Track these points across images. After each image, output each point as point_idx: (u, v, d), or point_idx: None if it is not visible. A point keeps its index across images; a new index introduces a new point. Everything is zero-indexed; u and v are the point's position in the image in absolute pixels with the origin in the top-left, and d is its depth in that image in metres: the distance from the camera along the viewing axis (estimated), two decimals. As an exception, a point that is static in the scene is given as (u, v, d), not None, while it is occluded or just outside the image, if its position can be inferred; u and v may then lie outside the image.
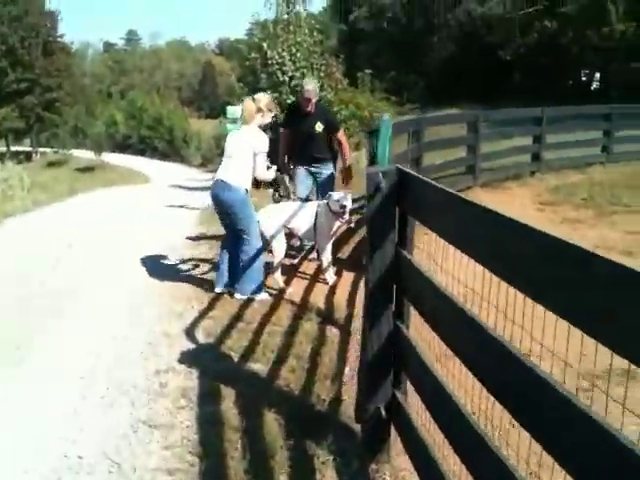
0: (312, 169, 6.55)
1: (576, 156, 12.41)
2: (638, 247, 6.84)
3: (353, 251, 6.83)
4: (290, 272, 5.98)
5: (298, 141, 6.51)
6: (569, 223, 8.12)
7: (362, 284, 5.77)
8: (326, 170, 6.56)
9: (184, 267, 6.28)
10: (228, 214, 5.17)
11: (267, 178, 5.44)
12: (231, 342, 4.33)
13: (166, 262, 6.48)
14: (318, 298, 5.31)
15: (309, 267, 6.24)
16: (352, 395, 3.55)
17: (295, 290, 5.51)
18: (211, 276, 5.76)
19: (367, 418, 2.81)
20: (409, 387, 2.76)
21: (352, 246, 6.97)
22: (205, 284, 5.57)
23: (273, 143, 6.03)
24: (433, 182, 2.32)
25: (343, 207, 5.41)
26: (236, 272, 5.19)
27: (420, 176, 2.46)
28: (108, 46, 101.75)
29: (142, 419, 3.30)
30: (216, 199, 5.23)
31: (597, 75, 34.54)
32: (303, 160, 6.56)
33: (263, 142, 5.18)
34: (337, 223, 5.60)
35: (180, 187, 14.92)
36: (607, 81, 31.28)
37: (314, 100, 6.33)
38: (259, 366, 3.97)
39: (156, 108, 37.85)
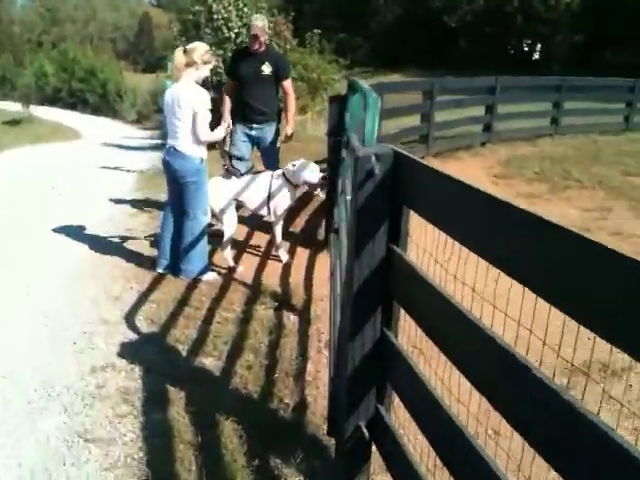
0: (252, 132, 5.88)
1: (526, 127, 12.29)
2: (595, 225, 6.73)
3: (306, 224, 6.42)
4: (240, 248, 5.52)
5: (241, 91, 5.83)
6: (524, 198, 7.91)
7: (319, 262, 5.40)
8: (270, 134, 5.91)
9: (122, 241, 5.69)
10: (179, 183, 4.63)
11: (215, 138, 4.80)
12: (177, 332, 3.87)
13: (102, 234, 5.88)
14: (272, 278, 4.88)
15: (259, 242, 5.78)
16: (317, 397, 3.18)
17: (246, 269, 5.06)
18: (152, 252, 5.23)
19: (345, 436, 2.43)
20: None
21: (304, 219, 6.56)
22: (146, 262, 5.04)
23: (215, 104, 5.51)
24: (437, 169, 1.92)
25: (324, 178, 5.23)
26: (180, 250, 4.69)
27: (421, 160, 2.05)
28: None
29: (77, 430, 2.83)
30: (167, 167, 4.69)
31: (538, 46, 34.85)
32: (244, 115, 5.84)
33: (202, 99, 4.51)
34: (289, 196, 5.19)
35: (114, 146, 14.03)
36: (549, 53, 31.58)
37: (263, 39, 5.70)
38: (211, 361, 3.54)
39: (89, 60, 35.89)
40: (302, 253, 5.54)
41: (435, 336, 1.93)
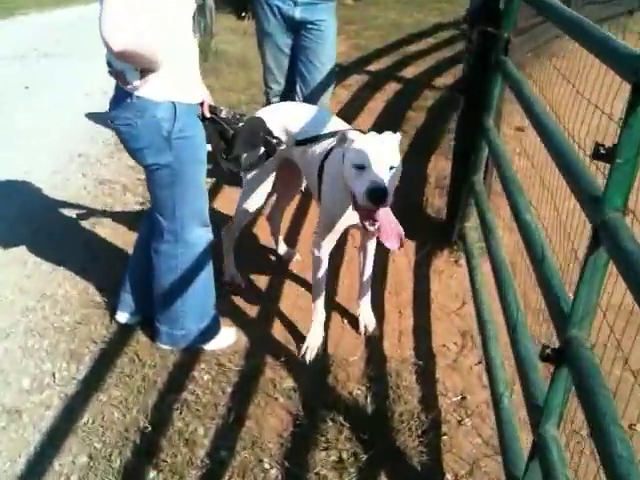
0: (296, 11, 2.98)
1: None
2: None
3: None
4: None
5: None
6: None
7: (443, 280, 2.75)
8: (328, 17, 3.05)
9: (84, 230, 3.15)
10: (141, 164, 2.02)
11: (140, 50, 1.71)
12: None
13: (53, 208, 3.34)
14: (352, 348, 2.34)
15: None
16: None
17: (291, 310, 2.55)
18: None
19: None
20: None
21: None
22: (106, 295, 2.55)
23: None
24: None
25: (380, 192, 1.80)
26: (157, 298, 2.18)
27: None
28: None
29: None
30: (116, 133, 2.00)
31: None
32: None
33: None
34: (351, 217, 2.06)
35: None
36: None
37: None
38: None
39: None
40: (407, 250, 2.93)
41: None
